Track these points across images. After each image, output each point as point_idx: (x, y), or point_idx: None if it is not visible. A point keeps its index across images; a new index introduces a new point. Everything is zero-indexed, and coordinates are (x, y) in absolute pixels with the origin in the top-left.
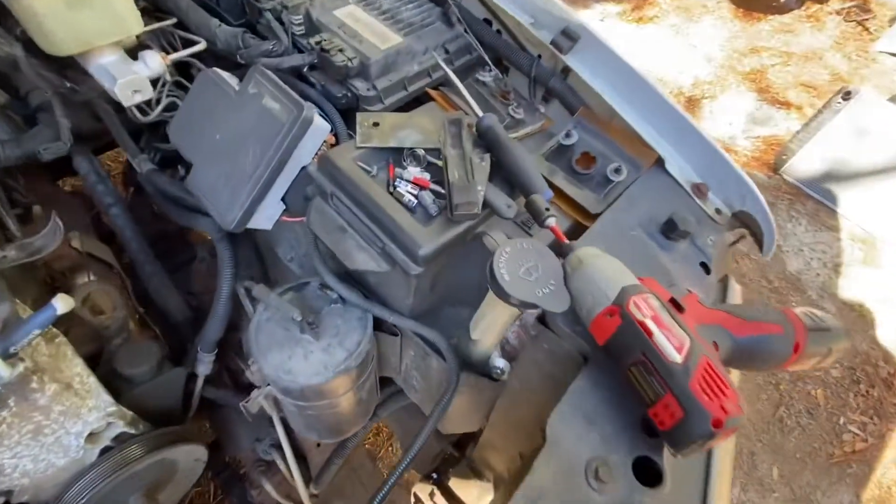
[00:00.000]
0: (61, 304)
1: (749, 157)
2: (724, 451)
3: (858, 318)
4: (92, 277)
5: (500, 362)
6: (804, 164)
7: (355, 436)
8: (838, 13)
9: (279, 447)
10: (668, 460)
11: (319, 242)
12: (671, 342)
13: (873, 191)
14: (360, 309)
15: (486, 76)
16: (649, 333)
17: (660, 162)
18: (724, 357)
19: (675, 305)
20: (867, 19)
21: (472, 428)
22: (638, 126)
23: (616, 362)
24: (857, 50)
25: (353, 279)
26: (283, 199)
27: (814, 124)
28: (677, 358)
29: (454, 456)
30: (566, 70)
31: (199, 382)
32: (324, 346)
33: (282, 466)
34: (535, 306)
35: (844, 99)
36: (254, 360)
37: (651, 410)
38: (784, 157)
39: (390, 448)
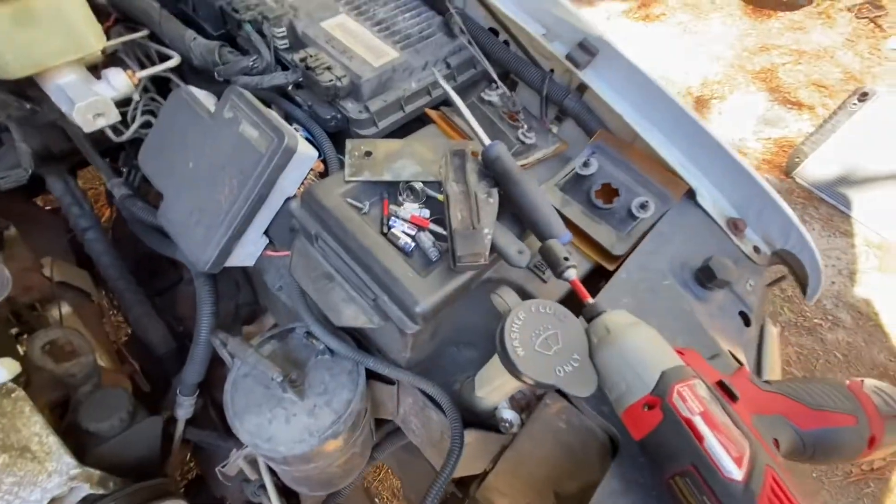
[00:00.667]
0: (4, 370)
1: (760, 159)
2: None
3: (875, 327)
4: (65, 309)
5: (508, 414)
6: (817, 167)
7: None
8: (850, 10)
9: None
10: None
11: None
12: (728, 451)
13: (889, 195)
14: (351, 360)
15: (493, 94)
16: (700, 438)
17: (690, 194)
18: (786, 452)
19: (727, 393)
20: (880, 16)
21: (476, 471)
22: (665, 152)
23: (655, 464)
24: (869, 48)
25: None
26: (266, 233)
27: (828, 126)
28: (736, 474)
29: (457, 496)
30: (582, 87)
31: (180, 426)
32: (308, 407)
33: None
34: (554, 388)
35: (861, 100)
36: (230, 424)
37: None
38: (796, 159)
39: (388, 471)
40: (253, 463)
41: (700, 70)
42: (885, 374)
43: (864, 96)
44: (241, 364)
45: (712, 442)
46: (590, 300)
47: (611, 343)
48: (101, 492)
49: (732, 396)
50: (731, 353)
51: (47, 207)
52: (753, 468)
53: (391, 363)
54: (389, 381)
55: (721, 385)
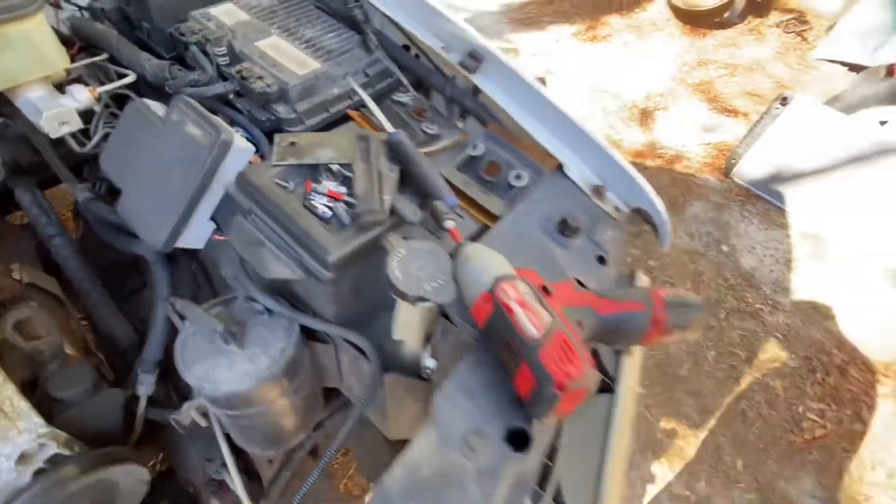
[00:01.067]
0: None
1: (701, 162)
2: (620, 430)
3: (811, 309)
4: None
5: (430, 362)
6: (751, 166)
7: (302, 447)
8: (778, 26)
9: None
10: (539, 428)
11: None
12: (531, 320)
13: (816, 189)
14: (286, 318)
15: (404, 97)
16: (512, 313)
17: (561, 167)
18: (591, 334)
19: (545, 291)
20: (805, 30)
21: None
22: (540, 136)
23: (492, 344)
24: (797, 59)
25: (279, 292)
26: (213, 220)
27: (757, 129)
28: (535, 334)
29: None
30: (476, 89)
31: (142, 403)
32: (248, 355)
33: (232, 485)
34: (424, 299)
35: (782, 104)
36: (180, 373)
37: (513, 381)
38: (733, 161)
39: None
40: (204, 414)
41: (644, 85)
42: (822, 350)
43: (784, 101)
44: (190, 324)
45: (521, 317)
46: (460, 241)
47: (466, 264)
48: (67, 452)
49: (547, 292)
50: (578, 280)
51: None
52: (548, 330)
53: (321, 319)
54: (326, 342)
55: (542, 287)
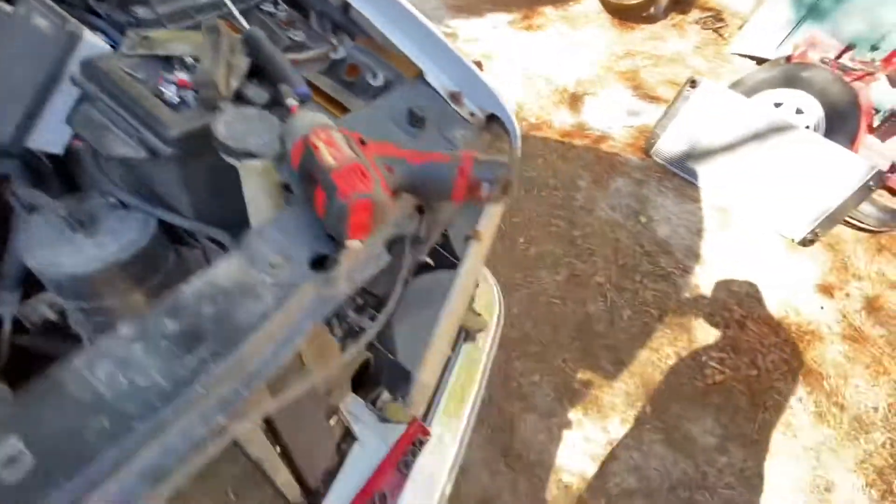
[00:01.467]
0: None
1: (625, 143)
2: (456, 300)
3: (717, 272)
4: None
5: None
6: (667, 145)
7: None
8: (697, 22)
9: None
10: (344, 254)
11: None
12: (332, 155)
13: (722, 165)
14: (141, 211)
15: (273, 8)
16: (316, 149)
17: (423, 75)
18: (401, 181)
19: (361, 142)
20: (721, 27)
21: None
22: (402, 46)
23: (304, 184)
24: (714, 53)
25: (138, 192)
26: (71, 124)
27: (671, 111)
28: (332, 163)
29: None
30: (346, 6)
31: (6, 325)
32: (97, 242)
33: None
34: (250, 154)
35: (692, 87)
36: (23, 259)
37: (314, 206)
38: (652, 141)
39: None
40: (59, 311)
41: (575, 72)
42: (724, 307)
43: (693, 84)
44: (38, 216)
45: (324, 152)
46: (295, 112)
47: (291, 123)
48: None
49: (362, 142)
50: None
51: None
52: (346, 161)
53: (178, 214)
54: (190, 244)
55: (359, 139)
